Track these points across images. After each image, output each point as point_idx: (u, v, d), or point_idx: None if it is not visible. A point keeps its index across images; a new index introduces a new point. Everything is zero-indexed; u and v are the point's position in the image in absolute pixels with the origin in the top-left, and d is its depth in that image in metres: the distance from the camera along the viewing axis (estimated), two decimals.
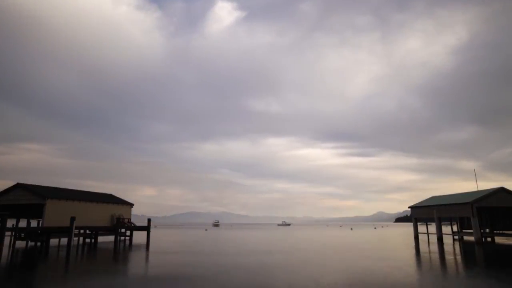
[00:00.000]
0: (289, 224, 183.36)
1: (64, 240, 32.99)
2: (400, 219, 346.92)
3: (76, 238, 32.84)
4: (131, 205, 41.29)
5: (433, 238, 41.15)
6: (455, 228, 44.21)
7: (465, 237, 42.02)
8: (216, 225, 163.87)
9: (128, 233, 39.02)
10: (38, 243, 32.13)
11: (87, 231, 34.13)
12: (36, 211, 34.02)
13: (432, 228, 44.73)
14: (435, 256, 22.66)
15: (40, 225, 32.84)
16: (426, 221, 67.89)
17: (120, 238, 36.15)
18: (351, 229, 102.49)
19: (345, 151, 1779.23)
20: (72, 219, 29.85)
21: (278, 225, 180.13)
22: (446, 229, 54.14)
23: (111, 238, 36.84)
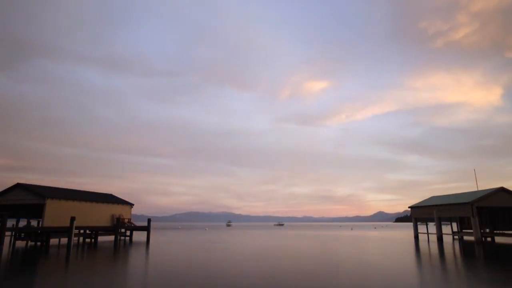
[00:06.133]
0: (282, 224, 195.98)
1: (64, 240, 33.05)
2: (400, 219, 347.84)
3: (76, 238, 32.89)
4: (131, 205, 41.36)
5: (433, 238, 41.15)
6: (455, 228, 44.21)
7: (465, 237, 42.05)
8: (228, 225, 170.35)
9: (128, 233, 39.12)
10: (38, 243, 32.16)
11: (87, 231, 34.21)
12: (36, 211, 34.13)
13: (432, 228, 44.73)
14: (435, 255, 22.66)
15: (40, 225, 32.88)
16: (426, 221, 67.95)
17: (120, 238, 36.18)
18: (351, 229, 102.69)
19: None
20: (72, 219, 29.94)
21: (274, 225, 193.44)
22: (446, 229, 54.22)
23: (111, 238, 36.87)
